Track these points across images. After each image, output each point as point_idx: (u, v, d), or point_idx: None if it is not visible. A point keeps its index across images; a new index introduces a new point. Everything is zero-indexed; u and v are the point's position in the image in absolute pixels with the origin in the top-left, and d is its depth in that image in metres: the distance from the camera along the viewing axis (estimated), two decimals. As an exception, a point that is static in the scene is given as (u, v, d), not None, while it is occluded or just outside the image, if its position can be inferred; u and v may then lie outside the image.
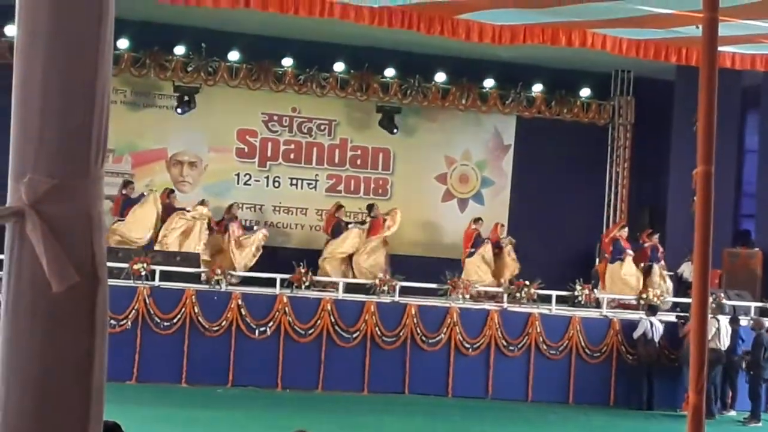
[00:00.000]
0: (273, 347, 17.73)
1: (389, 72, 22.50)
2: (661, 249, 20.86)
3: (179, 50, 21.29)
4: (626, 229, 21.31)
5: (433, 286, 19.16)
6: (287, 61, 21.91)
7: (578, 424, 16.93)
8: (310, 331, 17.85)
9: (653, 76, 22.88)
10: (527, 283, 19.31)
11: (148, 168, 21.97)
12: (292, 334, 17.77)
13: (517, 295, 19.27)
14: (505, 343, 18.63)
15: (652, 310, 19.03)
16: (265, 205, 22.65)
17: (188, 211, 19.48)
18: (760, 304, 19.97)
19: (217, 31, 21.12)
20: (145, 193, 19.82)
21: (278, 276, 18.24)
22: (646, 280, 20.48)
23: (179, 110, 21.79)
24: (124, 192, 19.65)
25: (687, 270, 20.11)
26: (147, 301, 17.30)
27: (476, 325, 18.61)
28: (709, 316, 5.19)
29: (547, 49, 18.29)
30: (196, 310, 17.47)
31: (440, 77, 22.75)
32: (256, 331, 17.68)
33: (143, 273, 17.43)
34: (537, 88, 23.43)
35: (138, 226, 19.11)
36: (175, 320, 17.40)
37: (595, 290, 19.98)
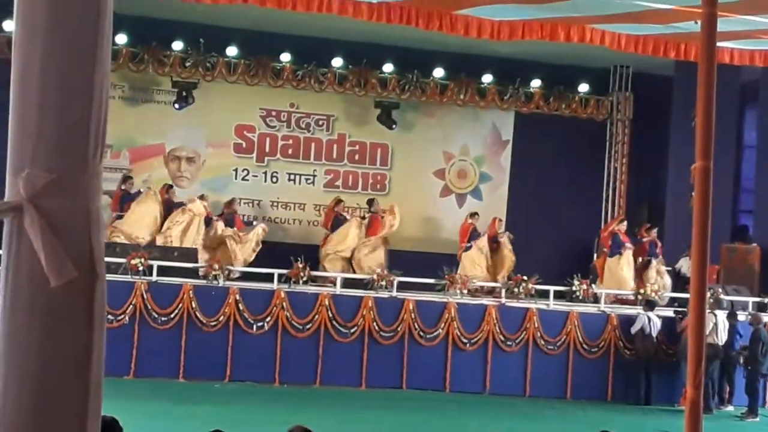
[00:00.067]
0: (270, 342, 17.73)
1: (387, 67, 22.48)
2: (659, 244, 20.87)
3: (177, 46, 21.27)
4: (625, 223, 21.32)
5: (431, 281, 19.18)
6: (285, 57, 21.90)
7: (576, 419, 16.93)
8: (307, 326, 17.85)
9: (652, 72, 22.88)
10: (525, 278, 19.31)
11: (146, 163, 21.96)
12: (289, 329, 17.77)
13: (515, 290, 19.28)
14: (502, 339, 18.64)
15: (649, 305, 19.04)
16: (263, 200, 22.64)
17: (186, 206, 19.46)
18: (757, 300, 20.00)
19: (216, 26, 21.10)
20: (142, 190, 19.80)
21: (276, 271, 18.24)
22: (643, 275, 20.50)
23: (177, 105, 21.78)
24: (123, 187, 19.66)
25: (685, 265, 20.13)
26: (145, 296, 17.29)
27: (474, 320, 18.61)
28: (707, 311, 5.19)
29: (546, 45, 18.28)
30: (194, 305, 17.47)
31: (438, 73, 22.74)
32: (254, 326, 17.68)
33: (141, 268, 17.43)
34: (535, 83, 23.42)
35: (140, 225, 19.09)
36: (172, 315, 17.40)
37: (593, 285, 19.99)
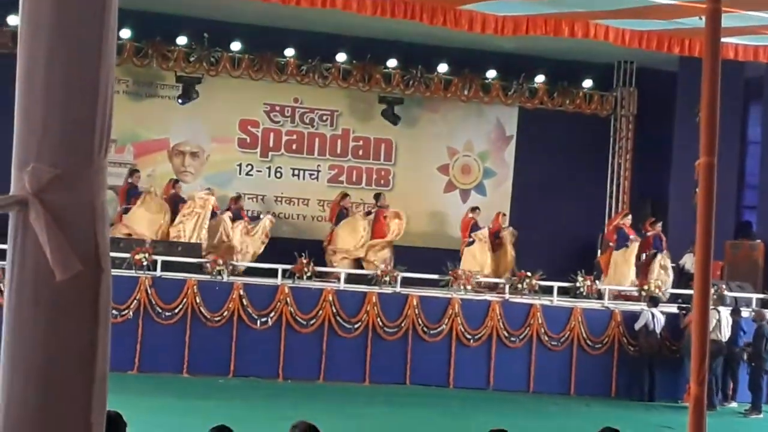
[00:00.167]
0: (274, 338, 17.74)
1: (391, 63, 22.48)
2: (664, 238, 20.81)
3: (181, 40, 21.26)
4: (629, 217, 21.29)
5: (435, 277, 19.18)
6: (289, 52, 21.89)
7: (579, 415, 16.93)
8: (311, 322, 17.86)
9: (656, 67, 22.87)
10: (529, 274, 19.31)
11: (150, 158, 21.97)
12: (293, 324, 17.78)
13: (519, 286, 19.28)
14: (506, 334, 18.65)
15: (653, 301, 19.04)
16: (266, 195, 22.65)
17: (195, 200, 19.41)
18: (761, 296, 19.99)
19: (220, 21, 21.11)
20: (141, 189, 19.59)
21: (280, 266, 18.24)
22: (647, 270, 20.48)
23: (181, 100, 21.79)
24: (130, 180, 19.65)
25: (689, 261, 20.11)
26: (149, 291, 17.30)
27: (478, 316, 18.62)
28: (710, 307, 5.18)
29: (550, 40, 18.30)
30: (198, 301, 17.48)
31: (442, 68, 22.74)
32: (258, 322, 17.69)
33: (145, 263, 17.44)
34: (539, 79, 23.40)
35: (140, 226, 19.03)
36: (176, 310, 17.42)
37: (597, 281, 19.98)
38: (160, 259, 17.65)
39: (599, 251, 22.22)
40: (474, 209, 21.44)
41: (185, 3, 20.26)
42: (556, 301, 19.16)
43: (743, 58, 17.90)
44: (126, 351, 16.79)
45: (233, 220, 19.73)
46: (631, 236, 20.53)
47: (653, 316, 18.66)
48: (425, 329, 18.32)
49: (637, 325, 18.74)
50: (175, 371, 17.37)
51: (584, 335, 18.88)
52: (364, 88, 22.70)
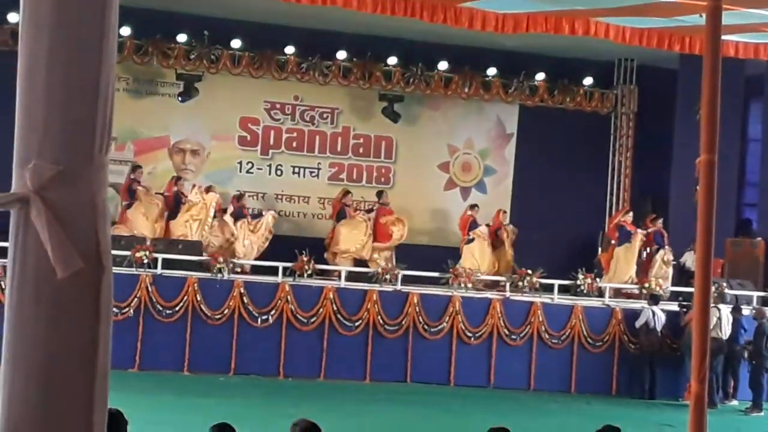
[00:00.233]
0: (275, 335, 17.75)
1: (392, 60, 22.46)
2: (665, 234, 20.78)
3: (182, 38, 21.24)
4: (630, 214, 21.29)
5: (436, 274, 19.18)
6: (290, 49, 21.87)
7: (580, 413, 16.94)
8: (312, 320, 17.87)
9: (656, 65, 22.86)
10: (529, 272, 19.31)
11: (150, 156, 21.95)
12: (294, 322, 17.79)
13: (519, 284, 19.28)
14: (507, 332, 18.65)
15: (654, 299, 19.04)
16: (267, 193, 22.64)
17: (195, 201, 19.39)
18: (762, 294, 19.99)
19: (220, 18, 21.10)
20: (135, 190, 19.50)
21: (280, 264, 18.25)
22: (648, 266, 20.48)
23: (181, 98, 21.79)
24: (132, 176, 19.62)
25: (689, 259, 20.11)
26: (149, 289, 17.31)
27: (478, 313, 18.63)
28: (711, 305, 5.19)
29: (550, 38, 18.29)
30: (199, 298, 17.49)
31: (443, 65, 22.73)
32: (259, 320, 17.70)
33: (145, 261, 17.45)
34: (540, 76, 23.38)
35: (137, 227, 19.01)
36: (177, 308, 17.42)
37: (598, 279, 19.97)
38: (160, 256, 17.65)
39: (600, 249, 22.22)
40: (473, 206, 21.43)
41: (185, 0, 20.25)
42: (557, 299, 19.17)
43: (744, 55, 17.90)
44: (127, 349, 16.79)
45: (236, 218, 19.74)
46: (633, 231, 20.54)
47: (654, 314, 18.67)
48: (426, 327, 18.33)
49: (638, 323, 18.74)
50: (176, 369, 17.38)
51: (585, 333, 18.88)
52: (365, 86, 22.69)
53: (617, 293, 20.26)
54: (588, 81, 23.76)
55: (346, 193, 21.07)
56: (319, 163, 22.95)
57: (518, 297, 19.06)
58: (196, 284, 17.51)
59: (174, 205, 19.41)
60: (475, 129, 23.98)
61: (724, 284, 19.74)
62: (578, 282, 19.57)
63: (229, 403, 15.12)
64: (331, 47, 21.98)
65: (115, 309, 15.83)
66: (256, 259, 19.36)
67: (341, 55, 22.14)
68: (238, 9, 20.08)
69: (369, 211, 21.19)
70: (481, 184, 23.89)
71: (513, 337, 18.66)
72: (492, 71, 23.03)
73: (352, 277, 18.90)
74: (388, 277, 18.70)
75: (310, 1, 16.05)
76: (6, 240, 2.98)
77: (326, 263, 19.73)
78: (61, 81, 2.92)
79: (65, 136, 2.92)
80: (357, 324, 18.05)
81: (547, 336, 18.78)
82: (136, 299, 17.18)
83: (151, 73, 21.82)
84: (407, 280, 18.90)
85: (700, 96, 4.38)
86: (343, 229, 20.38)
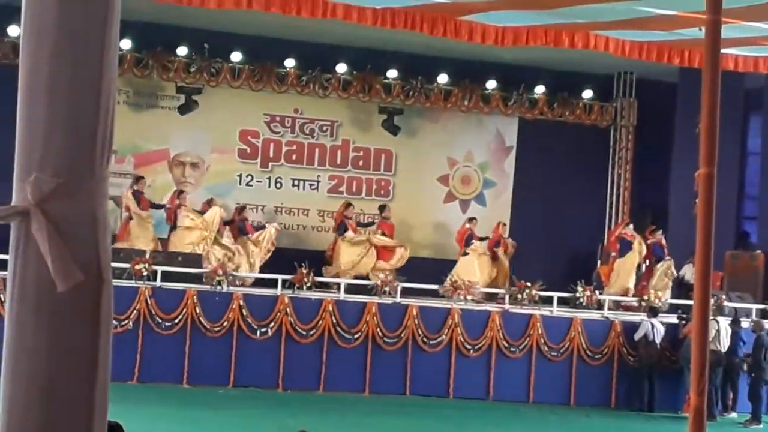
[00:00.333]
0: (274, 348, 17.73)
1: (391, 73, 22.49)
2: (665, 245, 20.76)
3: (182, 51, 21.29)
4: (630, 226, 21.30)
5: (435, 287, 19.17)
6: (290, 62, 21.91)
7: (579, 426, 16.92)
8: (311, 332, 17.85)
9: (656, 78, 22.88)
10: (529, 284, 19.29)
11: (150, 168, 21.95)
12: (293, 334, 17.77)
13: (519, 296, 19.27)
14: (506, 345, 18.63)
15: (653, 311, 19.03)
16: (267, 206, 22.63)
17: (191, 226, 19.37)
18: (761, 306, 19.97)
19: (220, 32, 21.13)
20: (121, 205, 19.49)
21: (280, 277, 18.24)
22: (648, 278, 20.48)
23: (181, 111, 21.82)
24: (135, 187, 19.65)
25: (688, 272, 20.09)
26: (149, 302, 17.30)
27: (477, 326, 18.61)
28: (710, 317, 5.19)
29: (550, 51, 18.31)
30: (198, 311, 17.48)
31: (442, 78, 22.76)
32: (258, 332, 17.68)
33: (145, 273, 17.44)
34: (539, 89, 23.41)
35: (136, 243, 19.01)
36: (176, 320, 17.41)
37: (597, 292, 19.96)
38: (159, 269, 17.64)
39: (599, 262, 22.22)
40: (471, 219, 21.43)
41: (186, 14, 20.23)
42: (556, 311, 19.15)
43: (743, 69, 17.92)
44: (126, 361, 16.76)
45: (239, 231, 19.77)
46: (634, 240, 20.56)
47: (653, 326, 18.65)
48: (425, 339, 18.31)
49: (637, 336, 18.73)
50: (175, 381, 17.35)
51: (584, 346, 18.86)
52: (364, 99, 22.72)
53: (616, 306, 20.26)
54: (587, 94, 23.79)
55: (348, 205, 21.06)
56: (318, 176, 22.96)
57: (517, 309, 19.05)
58: (195, 297, 17.50)
59: (176, 218, 19.43)
60: (475, 142, 23.99)
61: (724, 297, 19.74)
62: (577, 294, 19.55)
63: (229, 416, 15.13)
64: (331, 60, 22.02)
65: (114, 321, 15.78)
66: (261, 271, 19.34)
67: (341, 68, 22.17)
68: (238, 22, 20.10)
69: (370, 224, 21.18)
70: (481, 196, 23.89)
71: (512, 349, 18.64)
72: (492, 84, 23.06)
73: (351, 289, 18.89)
74: (387, 289, 18.69)
75: (310, 14, 16.07)
76: (6, 252, 2.99)
77: (326, 276, 19.71)
78: (62, 94, 2.93)
79: (66, 149, 2.92)
80: (356, 336, 18.04)
81: (546, 348, 18.76)
82: (135, 312, 17.16)
83: (152, 86, 21.85)
84: (406, 292, 18.89)
85: (700, 109, 4.38)
86: (344, 243, 20.37)
